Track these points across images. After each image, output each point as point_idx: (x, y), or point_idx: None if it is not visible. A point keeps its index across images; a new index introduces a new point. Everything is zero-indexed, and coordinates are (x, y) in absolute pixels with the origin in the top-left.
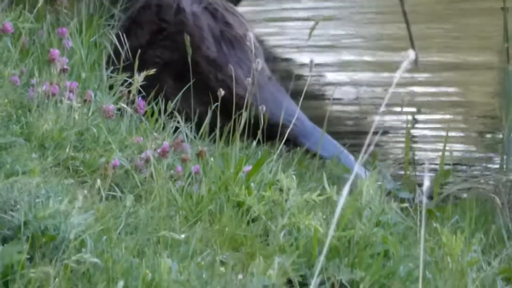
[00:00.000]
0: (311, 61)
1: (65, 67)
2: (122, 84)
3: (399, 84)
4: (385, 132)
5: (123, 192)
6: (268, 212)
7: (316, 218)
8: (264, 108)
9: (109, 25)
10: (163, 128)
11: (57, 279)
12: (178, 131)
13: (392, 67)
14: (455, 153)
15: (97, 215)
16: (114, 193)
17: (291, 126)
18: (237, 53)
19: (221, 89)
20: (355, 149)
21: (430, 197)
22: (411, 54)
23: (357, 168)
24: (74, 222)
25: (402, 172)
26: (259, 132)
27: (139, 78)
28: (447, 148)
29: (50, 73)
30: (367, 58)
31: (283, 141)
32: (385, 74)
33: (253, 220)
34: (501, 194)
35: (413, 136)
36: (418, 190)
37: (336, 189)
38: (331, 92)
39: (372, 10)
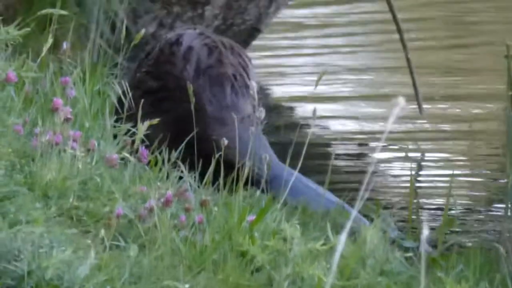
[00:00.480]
0: (314, 110)
1: (69, 116)
2: (126, 133)
3: (404, 132)
4: (385, 178)
5: (126, 241)
6: (272, 262)
7: (320, 268)
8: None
9: (112, 74)
10: (167, 177)
11: None
12: (182, 180)
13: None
14: (459, 201)
15: (101, 265)
16: (117, 243)
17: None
18: (213, 90)
19: (224, 139)
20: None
21: (435, 246)
22: (401, 101)
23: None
24: (78, 272)
25: (406, 220)
26: (263, 181)
27: (142, 128)
28: (451, 195)
29: (54, 122)
30: (371, 108)
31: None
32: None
33: (257, 270)
34: (505, 243)
35: (417, 183)
36: (422, 239)
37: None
38: (334, 142)
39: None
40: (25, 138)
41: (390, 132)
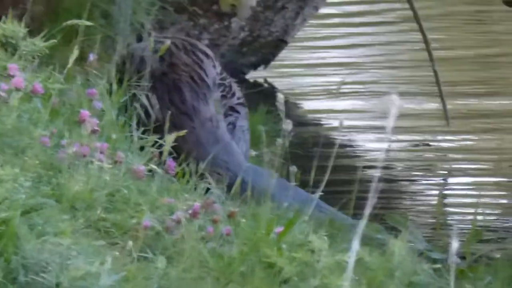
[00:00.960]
0: (340, 123)
1: (96, 128)
2: (153, 145)
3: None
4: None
5: (154, 253)
6: (300, 273)
7: (347, 279)
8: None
9: (139, 85)
10: (195, 188)
11: None
12: (209, 191)
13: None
14: (487, 211)
15: (129, 277)
16: (145, 255)
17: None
18: (172, 96)
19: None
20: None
21: (463, 257)
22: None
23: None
24: (106, 284)
25: (434, 232)
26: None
27: (169, 139)
28: (479, 209)
29: (80, 134)
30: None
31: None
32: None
33: (285, 282)
34: None
35: (444, 197)
36: (450, 250)
37: (368, 250)
38: (360, 155)
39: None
40: (52, 150)
41: (417, 144)
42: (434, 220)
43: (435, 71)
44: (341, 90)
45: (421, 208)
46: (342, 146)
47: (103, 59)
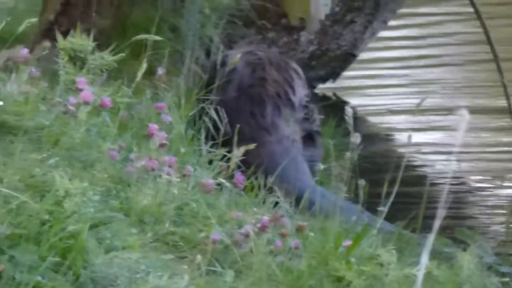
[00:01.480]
0: (409, 137)
1: (164, 141)
2: (221, 159)
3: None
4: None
5: (223, 267)
6: (368, 287)
7: None
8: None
9: (208, 99)
10: (263, 202)
11: None
12: (278, 205)
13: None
14: None
15: None
16: (213, 268)
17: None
18: (253, 109)
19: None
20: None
21: None
22: (465, 114)
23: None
24: None
25: (503, 245)
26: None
27: (238, 153)
28: None
29: (149, 148)
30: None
31: None
32: (486, 149)
33: None
34: None
35: None
36: None
37: (436, 264)
38: (428, 170)
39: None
40: (120, 163)
41: (486, 160)
42: (503, 233)
43: (504, 84)
44: (405, 105)
45: (490, 220)
46: (411, 160)
47: (172, 73)
